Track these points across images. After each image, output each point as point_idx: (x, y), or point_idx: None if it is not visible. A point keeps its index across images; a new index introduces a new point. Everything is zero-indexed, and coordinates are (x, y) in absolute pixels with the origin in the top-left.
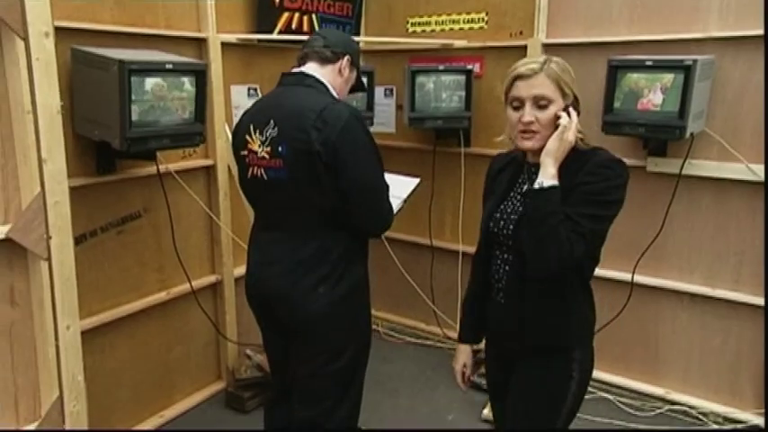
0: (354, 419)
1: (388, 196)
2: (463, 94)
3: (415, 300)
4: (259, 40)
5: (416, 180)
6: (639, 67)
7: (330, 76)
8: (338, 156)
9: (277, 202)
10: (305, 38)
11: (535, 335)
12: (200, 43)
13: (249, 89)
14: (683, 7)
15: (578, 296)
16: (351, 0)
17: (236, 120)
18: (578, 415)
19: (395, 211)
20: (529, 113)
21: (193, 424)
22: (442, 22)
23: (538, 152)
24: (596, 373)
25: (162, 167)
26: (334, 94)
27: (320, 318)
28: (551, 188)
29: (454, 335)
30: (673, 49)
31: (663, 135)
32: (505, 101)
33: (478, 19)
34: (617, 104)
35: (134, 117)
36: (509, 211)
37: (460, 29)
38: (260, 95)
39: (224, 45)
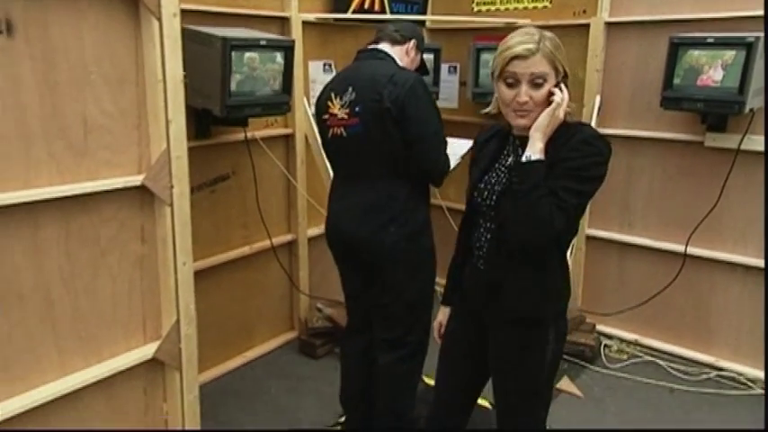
0: (424, 347)
1: (445, 148)
2: None
3: None
4: (335, 19)
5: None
6: (701, 44)
7: (399, 54)
8: (405, 111)
9: (353, 156)
10: (377, 17)
11: (511, 304)
12: (283, 22)
13: (324, 65)
14: None
15: (555, 269)
16: None
17: (312, 92)
18: (622, 375)
19: (453, 165)
20: (525, 93)
21: (272, 365)
22: (507, 1)
23: (529, 127)
24: (647, 340)
25: (249, 134)
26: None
27: (394, 251)
28: (538, 162)
29: None
30: (736, 27)
31: (721, 110)
32: (498, 77)
33: None
34: (677, 81)
35: (233, 87)
36: (493, 182)
37: (524, 8)
38: (334, 71)
39: (304, 24)
